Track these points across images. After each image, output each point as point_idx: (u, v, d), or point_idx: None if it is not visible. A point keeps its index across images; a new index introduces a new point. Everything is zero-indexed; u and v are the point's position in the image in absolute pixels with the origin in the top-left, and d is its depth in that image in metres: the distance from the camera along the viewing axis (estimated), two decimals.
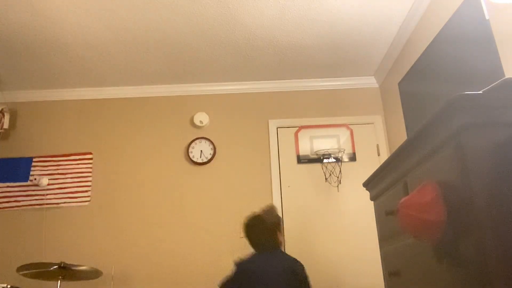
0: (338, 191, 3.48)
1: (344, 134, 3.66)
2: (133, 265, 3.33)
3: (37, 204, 3.47)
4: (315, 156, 3.58)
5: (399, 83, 2.66)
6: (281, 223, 2.52)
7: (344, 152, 3.58)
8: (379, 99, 3.78)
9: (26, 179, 3.53)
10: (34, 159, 3.60)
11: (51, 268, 2.63)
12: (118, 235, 3.42)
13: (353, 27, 3.04)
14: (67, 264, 2.64)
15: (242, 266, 2.29)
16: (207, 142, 3.64)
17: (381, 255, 1.97)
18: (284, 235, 2.63)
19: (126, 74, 3.59)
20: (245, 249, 3.34)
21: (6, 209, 3.47)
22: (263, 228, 2.36)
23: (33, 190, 3.51)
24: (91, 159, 3.62)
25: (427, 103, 2.25)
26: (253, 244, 2.38)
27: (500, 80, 1.19)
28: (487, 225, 1.08)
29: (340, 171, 3.52)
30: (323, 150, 3.57)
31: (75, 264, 2.71)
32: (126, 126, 3.73)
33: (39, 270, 2.68)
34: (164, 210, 3.48)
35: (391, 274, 1.75)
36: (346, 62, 3.53)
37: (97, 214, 3.47)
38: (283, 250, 2.47)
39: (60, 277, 2.68)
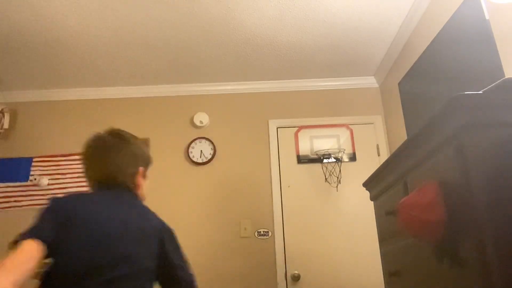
0: (337, 191, 3.48)
1: (344, 134, 3.66)
2: None
3: (37, 204, 3.47)
4: (315, 156, 3.58)
5: (399, 83, 2.66)
6: (150, 163, 1.61)
7: (344, 152, 3.58)
8: (379, 99, 3.78)
9: (26, 179, 3.53)
10: (34, 159, 3.59)
11: None
12: None
13: (353, 27, 3.04)
14: None
15: (65, 204, 1.34)
16: (207, 142, 3.64)
17: (381, 255, 1.97)
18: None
19: (126, 74, 3.59)
20: (244, 249, 3.36)
21: (6, 209, 3.47)
22: (125, 153, 1.50)
23: (33, 190, 3.50)
24: None
25: (427, 103, 2.25)
26: (97, 173, 1.48)
27: (500, 80, 1.19)
28: (487, 225, 1.08)
29: (340, 171, 3.52)
30: (323, 150, 3.57)
31: None
32: (126, 126, 3.72)
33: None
34: (163, 210, 3.47)
35: (391, 274, 1.75)
36: (346, 62, 3.53)
37: None
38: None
39: None
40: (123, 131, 1.57)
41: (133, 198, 1.51)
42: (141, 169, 1.54)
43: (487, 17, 1.71)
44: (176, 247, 1.50)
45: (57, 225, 1.26)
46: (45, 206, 1.31)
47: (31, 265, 1.18)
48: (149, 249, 1.40)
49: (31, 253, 1.18)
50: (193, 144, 3.63)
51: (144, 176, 1.56)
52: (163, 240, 1.45)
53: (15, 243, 1.18)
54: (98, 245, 1.28)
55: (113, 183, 1.47)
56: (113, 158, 1.47)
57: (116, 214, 1.38)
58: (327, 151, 3.55)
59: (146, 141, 1.65)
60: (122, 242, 1.33)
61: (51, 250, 1.24)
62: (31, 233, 1.21)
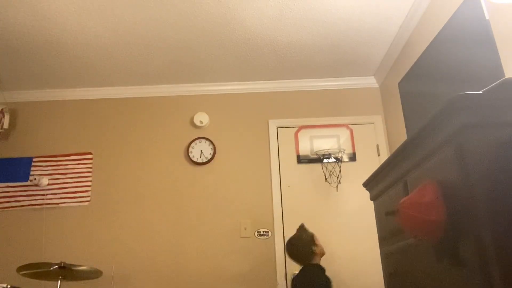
0: (337, 191, 3.48)
1: (344, 134, 3.66)
2: (133, 265, 3.33)
3: (37, 204, 3.47)
4: (315, 156, 3.58)
5: (399, 83, 2.66)
6: (314, 238, 2.79)
7: (344, 152, 3.58)
8: (379, 99, 3.78)
9: (26, 179, 3.53)
10: (34, 159, 3.60)
11: (51, 268, 2.63)
12: (118, 235, 3.42)
13: (353, 27, 3.04)
14: (67, 264, 2.64)
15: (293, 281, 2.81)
16: (207, 142, 3.64)
17: (381, 255, 1.97)
18: (319, 246, 2.83)
19: (126, 74, 3.59)
20: (244, 249, 3.36)
21: (6, 209, 3.47)
22: (298, 245, 2.77)
23: (33, 190, 3.50)
24: (91, 159, 3.62)
25: (427, 103, 2.25)
26: (296, 260, 2.79)
27: (500, 80, 1.19)
28: (487, 225, 1.08)
29: (340, 171, 3.52)
30: (323, 150, 3.57)
31: (75, 264, 2.70)
32: (126, 126, 3.73)
33: (39, 270, 2.68)
34: (164, 210, 3.48)
35: (391, 274, 1.75)
36: (346, 62, 3.53)
37: (97, 214, 3.47)
38: (317, 262, 2.74)
39: (60, 277, 2.67)
40: (300, 236, 2.78)
41: (317, 268, 2.69)
42: (314, 249, 2.71)
43: (487, 17, 1.70)
44: None
45: None
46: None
47: None
48: None
49: None
50: (193, 144, 3.63)
51: (318, 254, 2.73)
52: None
53: None
54: None
55: (305, 263, 2.71)
56: (300, 252, 2.73)
57: (312, 279, 2.63)
58: (327, 151, 3.55)
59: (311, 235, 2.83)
60: None
61: None
62: None
